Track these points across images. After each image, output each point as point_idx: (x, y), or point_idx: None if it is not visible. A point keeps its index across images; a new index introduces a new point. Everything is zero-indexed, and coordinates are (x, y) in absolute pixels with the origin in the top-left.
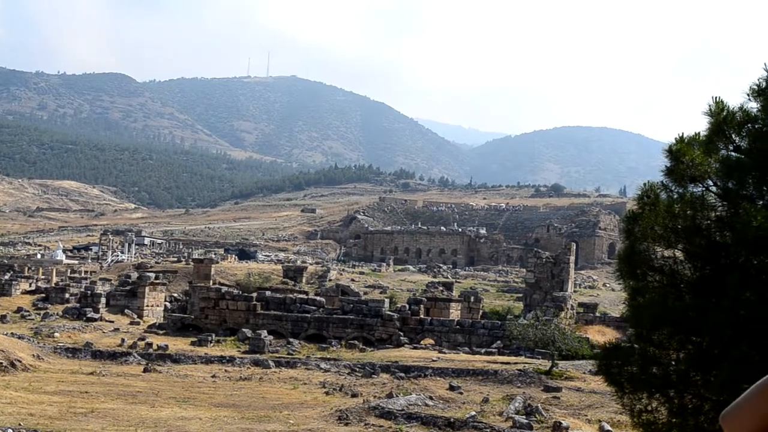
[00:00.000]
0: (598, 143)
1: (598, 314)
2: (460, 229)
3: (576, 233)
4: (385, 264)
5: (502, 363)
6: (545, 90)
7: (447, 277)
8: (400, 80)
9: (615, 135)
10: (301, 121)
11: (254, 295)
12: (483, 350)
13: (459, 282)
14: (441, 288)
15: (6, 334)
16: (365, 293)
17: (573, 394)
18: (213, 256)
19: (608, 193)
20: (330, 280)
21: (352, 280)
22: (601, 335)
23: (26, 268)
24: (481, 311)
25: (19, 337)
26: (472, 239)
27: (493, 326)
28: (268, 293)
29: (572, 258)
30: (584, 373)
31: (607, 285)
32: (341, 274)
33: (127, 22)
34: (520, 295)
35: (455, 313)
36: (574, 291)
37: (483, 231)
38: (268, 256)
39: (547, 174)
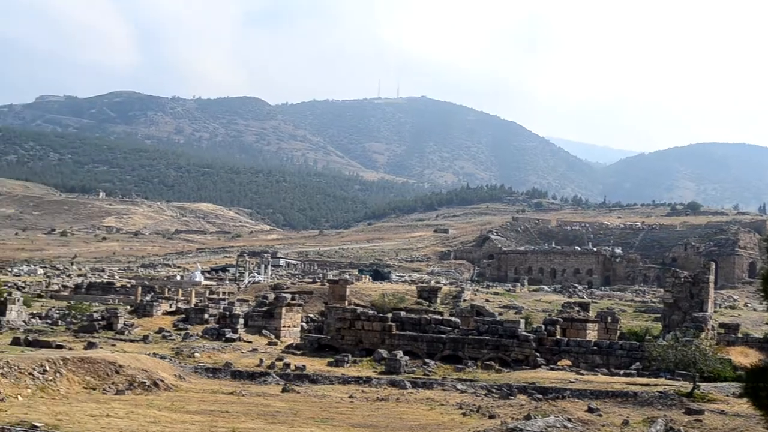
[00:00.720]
0: (736, 160)
1: (740, 335)
2: (594, 249)
3: (714, 252)
4: (519, 284)
5: (642, 385)
6: (679, 105)
7: (582, 297)
8: (531, 98)
9: (753, 151)
10: (432, 141)
11: (389, 315)
12: (621, 371)
13: (595, 302)
14: (577, 308)
15: (148, 355)
16: (500, 314)
17: (716, 417)
18: (347, 276)
19: (747, 211)
20: (464, 300)
21: (487, 300)
22: (744, 357)
23: (166, 290)
24: (618, 332)
25: (161, 357)
26: (608, 259)
27: (631, 347)
28: (402, 314)
29: (712, 277)
30: (727, 395)
31: (749, 305)
32: (475, 295)
33: (260, 46)
34: (658, 315)
35: (592, 333)
36: (714, 311)
37: (618, 250)
38: (401, 276)
39: (682, 192)
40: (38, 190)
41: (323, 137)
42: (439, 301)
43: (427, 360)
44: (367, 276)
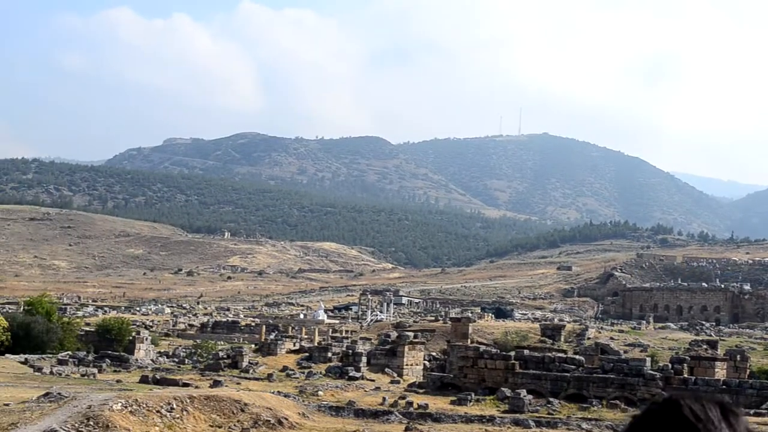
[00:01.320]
0: None
1: None
2: (722, 285)
3: None
4: (644, 321)
5: None
6: None
7: (710, 335)
8: (655, 132)
9: None
10: (554, 178)
11: (512, 353)
12: (752, 411)
13: (723, 340)
14: (705, 346)
15: (273, 393)
16: (625, 352)
17: None
18: (470, 314)
19: None
20: (588, 338)
21: (611, 338)
22: None
23: (290, 328)
24: (747, 370)
25: (285, 396)
26: (736, 295)
27: (761, 386)
28: (526, 352)
29: None
30: None
31: None
32: (600, 332)
33: (381, 86)
34: None
35: (720, 372)
36: None
37: (747, 287)
38: (524, 314)
39: None
40: (165, 230)
41: (444, 175)
42: (562, 339)
43: (550, 399)
44: (490, 314)
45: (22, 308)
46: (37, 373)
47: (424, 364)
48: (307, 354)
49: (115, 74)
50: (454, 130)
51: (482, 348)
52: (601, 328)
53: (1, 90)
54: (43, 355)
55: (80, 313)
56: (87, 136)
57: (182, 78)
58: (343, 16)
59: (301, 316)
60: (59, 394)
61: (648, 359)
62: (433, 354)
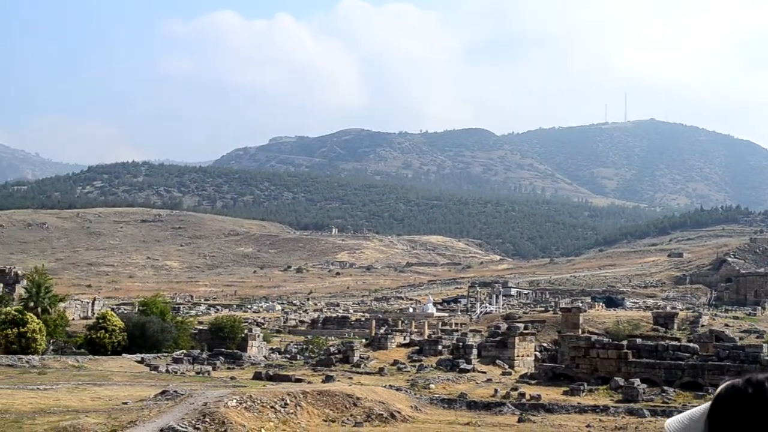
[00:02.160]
0: None
1: None
2: None
3: None
4: (759, 307)
5: None
6: None
7: None
8: (766, 114)
9: None
10: (662, 164)
11: (624, 342)
12: None
13: None
14: None
15: (384, 387)
16: (740, 338)
17: None
18: (580, 304)
19: None
20: (702, 325)
21: (726, 325)
22: None
23: (400, 322)
24: None
25: (397, 389)
26: None
27: None
28: (638, 341)
29: None
30: None
31: None
32: (713, 319)
33: (485, 77)
34: None
35: None
36: None
37: None
38: (635, 302)
39: None
40: (274, 228)
41: (550, 165)
42: (675, 327)
43: (665, 387)
44: (600, 303)
45: (137, 309)
46: (153, 372)
47: (535, 355)
48: (417, 347)
49: (220, 76)
50: (559, 119)
51: (594, 338)
52: (715, 315)
53: (110, 95)
54: (159, 354)
55: (193, 312)
56: (194, 137)
57: (286, 77)
58: (443, 9)
59: (411, 309)
60: (175, 392)
61: (765, 345)
62: (544, 345)
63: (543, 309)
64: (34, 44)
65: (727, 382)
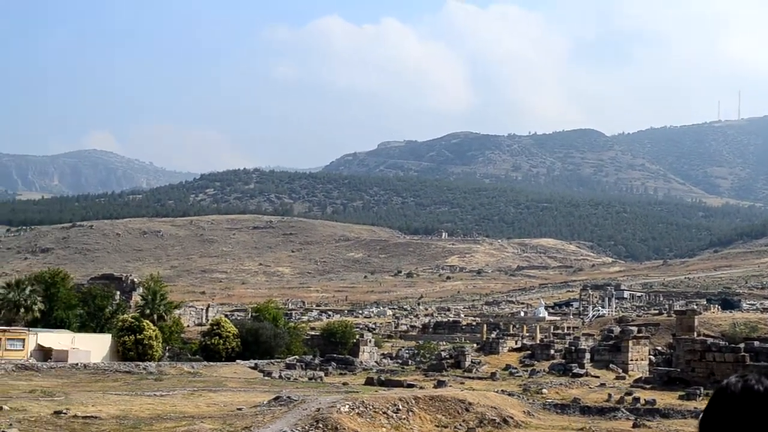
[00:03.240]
0: None
1: None
2: None
3: None
4: None
5: None
6: None
7: None
8: None
9: None
10: None
11: (741, 345)
12: None
13: None
14: None
15: (496, 392)
16: None
17: None
18: (695, 307)
19: None
20: None
21: None
22: None
23: (511, 326)
24: None
25: (509, 394)
26: None
27: None
28: (756, 343)
29: None
30: None
31: None
32: None
33: (591, 77)
34: None
35: None
36: None
37: None
38: (752, 304)
39: None
40: (384, 233)
41: (662, 165)
42: None
43: None
44: (716, 305)
45: (250, 315)
46: (266, 378)
47: (650, 359)
48: (529, 352)
49: (328, 82)
50: (670, 118)
51: (709, 341)
52: None
53: (221, 104)
54: (272, 360)
55: (305, 318)
56: (304, 144)
57: (393, 81)
58: (547, 10)
59: (522, 313)
60: (289, 397)
61: None
62: (659, 348)
63: (657, 312)
64: (146, 56)
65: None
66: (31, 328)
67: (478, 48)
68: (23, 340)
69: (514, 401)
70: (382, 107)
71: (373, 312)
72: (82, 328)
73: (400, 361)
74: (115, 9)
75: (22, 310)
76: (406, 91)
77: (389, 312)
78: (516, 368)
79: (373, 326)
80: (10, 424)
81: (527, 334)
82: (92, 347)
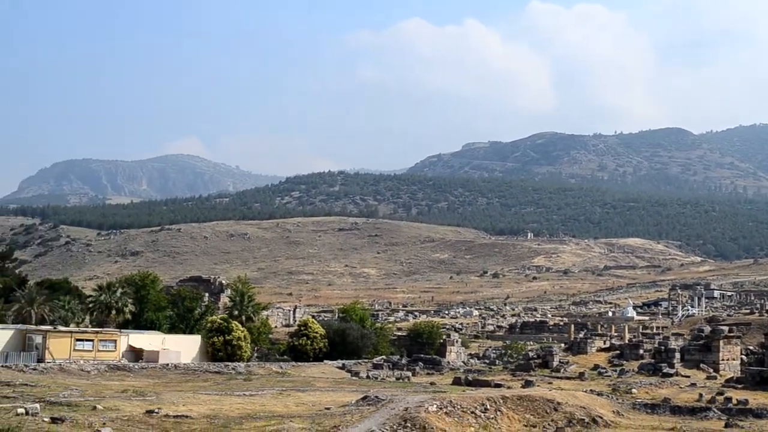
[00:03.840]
0: None
1: None
2: None
3: None
4: None
5: None
6: None
7: None
8: None
9: None
10: None
11: None
12: None
13: None
14: None
15: (585, 391)
16: None
17: None
18: None
19: None
20: None
21: None
22: None
23: (599, 326)
24: None
25: (598, 394)
26: None
27: None
28: None
29: None
30: None
31: None
32: None
33: (677, 75)
34: None
35: None
36: None
37: None
38: None
39: None
40: (469, 234)
41: (752, 163)
42: None
43: None
44: None
45: (336, 316)
46: (354, 378)
47: (741, 359)
48: (618, 351)
49: (411, 84)
50: (760, 116)
51: None
52: None
53: (305, 108)
54: (359, 360)
55: (391, 319)
56: (388, 146)
57: (477, 82)
58: (632, 9)
59: (610, 313)
60: (376, 397)
61: None
62: (750, 348)
63: (748, 311)
64: (232, 62)
65: None
66: (122, 330)
67: (562, 48)
68: (115, 341)
69: (603, 401)
70: (466, 108)
71: (459, 312)
72: (172, 329)
73: (487, 361)
74: (201, 17)
75: (114, 312)
76: (490, 91)
77: (475, 312)
78: (604, 368)
79: (460, 326)
80: (104, 423)
81: (615, 334)
82: (182, 348)
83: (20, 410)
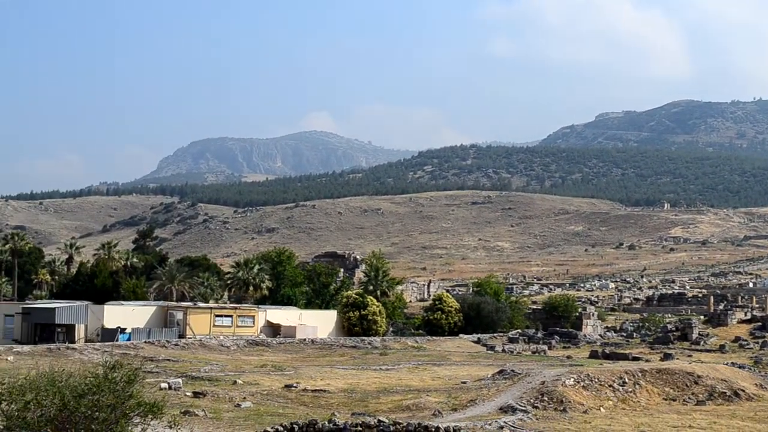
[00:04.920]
0: None
1: None
2: None
3: None
4: None
5: None
6: None
7: None
8: None
9: None
10: None
11: None
12: None
13: None
14: None
15: (726, 364)
16: None
17: None
18: None
19: None
20: None
21: None
22: None
23: (739, 298)
24: None
25: (740, 367)
26: None
27: None
28: None
29: None
30: None
31: None
32: None
33: None
34: None
35: None
36: None
37: None
38: None
39: None
40: (603, 206)
41: None
42: None
43: None
44: None
45: (471, 290)
46: (489, 352)
47: None
48: (759, 323)
49: (542, 55)
50: None
51: None
52: None
53: (435, 82)
54: (494, 334)
55: (526, 292)
56: (520, 118)
57: (608, 51)
58: None
59: (750, 284)
60: (512, 371)
61: None
62: None
63: None
64: (361, 39)
65: None
66: (260, 306)
67: (696, 12)
68: (253, 317)
69: (745, 374)
70: (598, 78)
71: (595, 285)
72: (308, 304)
73: (624, 335)
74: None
75: (251, 288)
76: (623, 60)
77: (611, 285)
78: (746, 340)
79: (596, 299)
80: (244, 398)
81: (757, 306)
82: (318, 323)
83: (163, 385)
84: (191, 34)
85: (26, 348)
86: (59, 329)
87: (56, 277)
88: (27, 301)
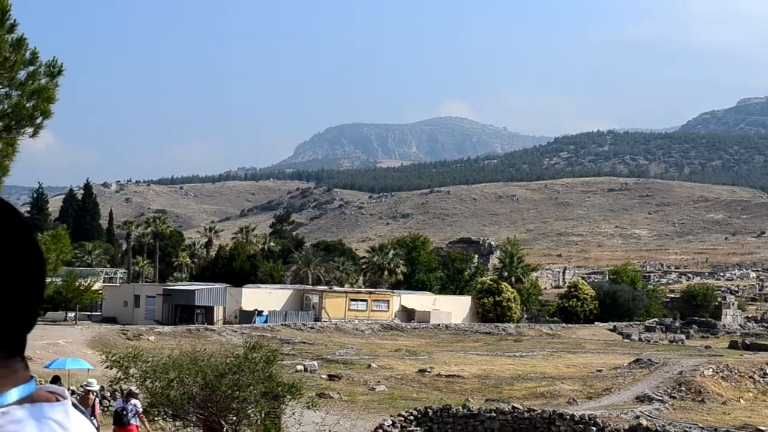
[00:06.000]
0: None
1: None
2: None
3: None
4: None
5: None
6: None
7: None
8: None
9: None
10: None
11: None
12: None
13: None
14: None
15: None
16: None
17: None
18: None
19: None
20: None
21: None
22: None
23: None
24: None
25: None
26: None
27: None
28: None
29: None
30: None
31: None
32: None
33: None
34: None
35: None
36: None
37: None
38: None
39: None
40: (745, 193)
41: None
42: None
43: None
44: None
45: (607, 277)
46: (625, 340)
47: None
48: None
49: (681, 39)
50: None
51: None
52: None
53: (572, 66)
54: (630, 322)
55: (663, 281)
56: (659, 103)
57: (753, 35)
58: None
59: None
60: (649, 360)
61: None
62: None
63: None
64: (497, 23)
65: None
66: (394, 290)
67: None
68: (388, 301)
69: None
70: (740, 63)
71: (735, 274)
72: (442, 290)
73: (765, 325)
74: None
75: (386, 273)
76: (766, 44)
77: (752, 274)
78: None
79: (736, 289)
80: (378, 382)
81: None
82: (452, 308)
83: (299, 367)
84: (337, 22)
85: (167, 328)
86: (199, 311)
87: (196, 260)
88: (168, 283)
